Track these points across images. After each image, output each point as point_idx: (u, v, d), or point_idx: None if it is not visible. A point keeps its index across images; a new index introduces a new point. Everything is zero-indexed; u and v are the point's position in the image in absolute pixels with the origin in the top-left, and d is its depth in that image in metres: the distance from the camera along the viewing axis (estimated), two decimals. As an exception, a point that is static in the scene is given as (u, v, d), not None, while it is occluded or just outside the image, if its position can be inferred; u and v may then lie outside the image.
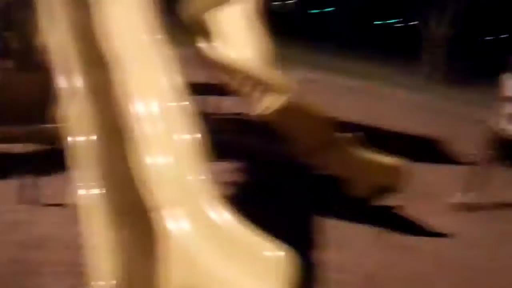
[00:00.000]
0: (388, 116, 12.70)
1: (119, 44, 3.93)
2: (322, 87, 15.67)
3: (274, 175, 7.02)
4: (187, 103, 3.70)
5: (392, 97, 15.98)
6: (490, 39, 29.39)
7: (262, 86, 5.14)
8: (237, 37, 6.10)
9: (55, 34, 3.74)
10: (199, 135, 3.54)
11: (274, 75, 5.21)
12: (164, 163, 3.51)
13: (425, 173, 7.68)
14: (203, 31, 5.43)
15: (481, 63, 21.20)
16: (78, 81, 3.52)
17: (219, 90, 6.86)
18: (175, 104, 3.69)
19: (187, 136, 3.57)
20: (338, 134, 5.69)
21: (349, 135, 5.78)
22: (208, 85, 6.70)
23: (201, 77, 6.37)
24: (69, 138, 3.21)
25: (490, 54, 19.67)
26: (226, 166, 6.88)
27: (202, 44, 5.07)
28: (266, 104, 5.17)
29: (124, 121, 3.64)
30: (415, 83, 20.79)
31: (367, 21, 34.27)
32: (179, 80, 3.81)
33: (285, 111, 5.16)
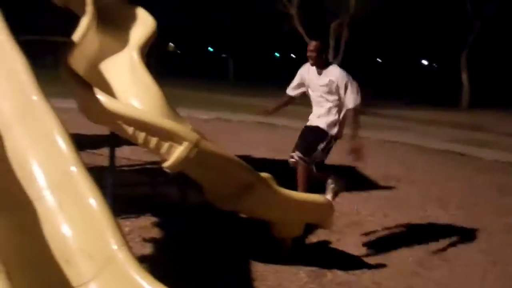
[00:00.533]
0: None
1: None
2: (229, 124, 15.83)
3: (197, 225, 6.78)
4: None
5: (293, 127, 16.01)
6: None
7: (169, 138, 4.80)
8: (128, 87, 5.76)
9: None
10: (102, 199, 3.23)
11: (179, 126, 4.90)
12: (77, 234, 3.24)
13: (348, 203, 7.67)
14: (87, 84, 5.01)
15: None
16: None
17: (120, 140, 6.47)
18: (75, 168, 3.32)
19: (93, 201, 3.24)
20: (250, 176, 5.36)
21: (265, 174, 5.48)
22: (107, 136, 6.36)
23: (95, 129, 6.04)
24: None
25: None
26: (145, 221, 6.57)
27: (101, 97, 4.68)
28: (175, 156, 4.84)
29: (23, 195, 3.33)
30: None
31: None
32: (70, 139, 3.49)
33: (195, 159, 4.87)
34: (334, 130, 6.21)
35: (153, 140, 4.90)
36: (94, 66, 5.69)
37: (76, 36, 5.53)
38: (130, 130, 4.90)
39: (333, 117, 6.25)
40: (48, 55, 20.46)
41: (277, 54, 73.55)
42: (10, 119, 3.72)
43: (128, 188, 7.77)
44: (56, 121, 3.53)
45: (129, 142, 6.10)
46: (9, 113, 3.76)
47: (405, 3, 29.76)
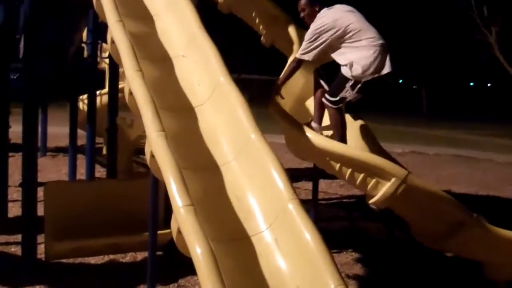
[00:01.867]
0: (502, 184, 11.93)
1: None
2: (425, 158, 15.39)
3: (401, 262, 6.48)
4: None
5: (498, 162, 15.13)
6: None
7: (376, 174, 4.74)
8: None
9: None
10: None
11: (386, 162, 4.82)
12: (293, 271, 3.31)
13: None
14: (295, 122, 5.17)
15: None
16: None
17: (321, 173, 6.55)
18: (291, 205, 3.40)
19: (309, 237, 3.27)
20: (462, 214, 5.08)
21: (475, 215, 5.16)
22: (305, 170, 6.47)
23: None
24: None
25: None
26: (346, 257, 6.53)
27: (309, 133, 4.80)
28: (382, 192, 4.76)
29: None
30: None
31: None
32: (286, 175, 3.60)
33: (403, 196, 4.75)
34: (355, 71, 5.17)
35: (360, 176, 4.87)
36: (300, 103, 5.84)
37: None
38: (337, 166, 4.93)
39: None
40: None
41: (471, 84, 70.44)
42: (228, 155, 3.94)
43: (326, 223, 7.80)
44: (273, 157, 3.65)
45: (326, 175, 6.19)
46: (227, 149, 3.98)
47: None
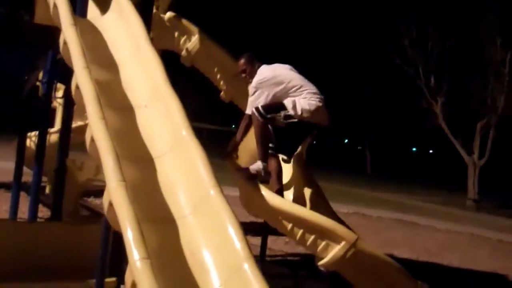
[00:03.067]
0: (442, 251, 12.21)
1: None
2: (368, 220, 15.61)
3: None
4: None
5: (439, 229, 15.50)
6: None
7: (327, 236, 4.83)
8: (289, 185, 5.93)
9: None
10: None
11: (338, 225, 4.93)
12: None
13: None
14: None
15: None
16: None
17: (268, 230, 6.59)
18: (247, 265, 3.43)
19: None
20: (407, 281, 5.20)
21: (419, 282, 5.29)
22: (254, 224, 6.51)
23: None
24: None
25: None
26: None
27: (265, 192, 4.86)
28: (331, 254, 4.86)
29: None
30: (461, 213, 20.51)
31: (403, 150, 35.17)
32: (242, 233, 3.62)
33: (351, 260, 4.86)
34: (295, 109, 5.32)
35: (311, 237, 4.95)
36: (256, 159, 5.91)
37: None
38: (289, 226, 5.00)
39: None
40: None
41: (414, 149, 72.37)
42: (185, 209, 3.95)
43: (271, 280, 7.77)
44: (230, 215, 3.68)
45: (272, 231, 6.23)
46: (185, 203, 3.99)
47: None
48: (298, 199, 5.48)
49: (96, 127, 3.88)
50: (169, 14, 6.89)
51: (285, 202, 5.11)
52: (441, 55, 24.51)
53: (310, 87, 5.42)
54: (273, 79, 5.34)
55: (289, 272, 8.92)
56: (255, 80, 5.41)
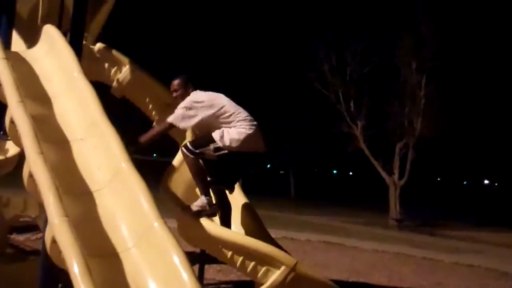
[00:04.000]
0: (370, 270, 12.50)
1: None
2: (297, 244, 15.76)
3: None
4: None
5: (365, 249, 15.84)
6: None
7: (266, 262, 4.90)
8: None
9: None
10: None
11: (277, 250, 5.01)
12: None
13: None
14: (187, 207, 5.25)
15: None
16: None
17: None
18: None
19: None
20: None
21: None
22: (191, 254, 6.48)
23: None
24: None
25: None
26: None
27: (203, 221, 4.88)
28: (272, 280, 4.92)
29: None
30: (384, 233, 21.08)
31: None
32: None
33: (291, 284, 4.94)
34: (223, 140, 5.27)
35: (251, 264, 5.00)
36: (192, 189, 5.93)
37: (176, 160, 5.86)
38: (229, 253, 5.03)
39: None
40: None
41: (335, 172, 73.92)
42: (128, 242, 3.92)
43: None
44: (176, 246, 3.69)
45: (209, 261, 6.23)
46: (127, 236, 3.96)
47: (471, 122, 29.99)
48: (237, 226, 5.52)
49: (34, 162, 3.82)
50: (99, 45, 6.85)
51: (224, 230, 5.13)
52: (359, 80, 25.27)
53: (242, 114, 5.39)
54: (206, 102, 5.29)
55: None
56: (190, 98, 5.31)
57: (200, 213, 5.07)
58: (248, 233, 5.46)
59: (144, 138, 5.27)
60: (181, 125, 5.28)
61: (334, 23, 26.12)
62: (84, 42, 6.47)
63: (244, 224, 5.68)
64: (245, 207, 5.85)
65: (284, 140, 38.46)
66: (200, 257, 6.67)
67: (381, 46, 25.08)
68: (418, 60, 24.26)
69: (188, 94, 5.40)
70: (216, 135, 5.22)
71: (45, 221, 3.79)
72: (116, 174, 4.20)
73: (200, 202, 5.12)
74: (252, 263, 4.99)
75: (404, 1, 24.12)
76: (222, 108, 5.32)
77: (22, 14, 7.56)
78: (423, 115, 24.24)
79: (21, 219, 10.24)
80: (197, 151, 5.19)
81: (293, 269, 4.93)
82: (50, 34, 5.44)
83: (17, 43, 6.50)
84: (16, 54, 5.39)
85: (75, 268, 3.21)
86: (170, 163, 5.86)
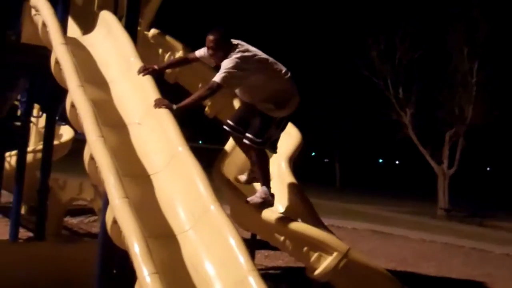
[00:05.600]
0: (418, 260, 12.38)
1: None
2: (343, 232, 15.70)
3: None
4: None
5: (413, 239, 15.67)
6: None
7: (319, 248, 4.91)
8: (277, 195, 5.96)
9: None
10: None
11: (330, 236, 5.01)
12: None
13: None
14: (240, 193, 5.28)
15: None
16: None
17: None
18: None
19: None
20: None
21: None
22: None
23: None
24: None
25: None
26: None
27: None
28: (324, 265, 4.94)
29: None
30: (432, 222, 20.80)
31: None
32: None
33: (344, 270, 4.95)
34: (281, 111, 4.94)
35: (303, 249, 5.02)
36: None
37: (228, 146, 5.92)
38: (281, 238, 5.06)
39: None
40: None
41: (380, 160, 73.20)
42: (185, 224, 3.98)
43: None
44: (232, 229, 3.72)
45: (266, 247, 6.27)
46: (184, 218, 4.02)
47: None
48: (290, 211, 5.55)
49: (95, 145, 3.91)
50: (153, 31, 6.95)
51: (277, 215, 5.17)
52: (409, 66, 24.88)
53: (279, 64, 4.93)
54: (256, 59, 4.76)
55: (272, 285, 8.94)
56: (237, 54, 4.67)
57: (263, 205, 4.88)
58: (299, 216, 5.46)
59: (185, 102, 4.69)
60: (231, 86, 4.81)
61: (383, 8, 25.76)
62: (138, 28, 6.57)
63: (294, 207, 5.69)
64: (296, 189, 5.84)
65: (330, 128, 38.21)
66: (250, 242, 6.71)
67: (432, 31, 24.58)
68: (470, 46, 23.71)
69: (229, 51, 4.72)
70: (267, 109, 4.83)
71: (105, 203, 3.88)
72: (173, 158, 4.25)
73: (263, 193, 4.88)
74: (305, 249, 5.02)
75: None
76: (264, 56, 4.85)
77: (77, 1, 7.73)
78: (475, 102, 23.74)
79: (74, 203, 10.52)
80: (264, 138, 4.84)
81: (345, 255, 4.94)
82: (107, 20, 5.53)
83: (72, 29, 6.65)
84: (74, 39, 5.50)
85: (136, 248, 3.28)
86: (216, 149, 5.91)
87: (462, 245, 15.14)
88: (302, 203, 5.79)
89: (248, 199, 4.89)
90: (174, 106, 4.58)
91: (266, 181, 4.93)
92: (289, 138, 6.35)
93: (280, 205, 5.78)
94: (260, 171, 4.95)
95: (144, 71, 4.81)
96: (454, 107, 24.32)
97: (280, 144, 6.27)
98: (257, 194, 4.91)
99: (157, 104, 4.54)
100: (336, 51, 30.82)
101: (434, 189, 25.60)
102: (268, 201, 4.87)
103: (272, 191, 5.47)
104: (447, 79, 24.48)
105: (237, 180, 5.41)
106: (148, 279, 3.14)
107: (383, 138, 36.43)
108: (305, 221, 5.45)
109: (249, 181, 5.28)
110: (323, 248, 4.96)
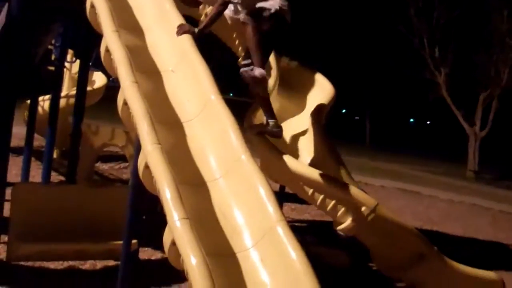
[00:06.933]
0: (445, 219, 12.36)
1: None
2: (371, 189, 15.68)
3: None
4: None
5: (441, 199, 15.61)
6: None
7: (346, 202, 4.92)
8: (306, 149, 5.98)
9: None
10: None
11: (358, 191, 5.00)
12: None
13: None
14: (271, 145, 5.27)
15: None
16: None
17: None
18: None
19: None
20: (424, 246, 5.31)
21: (435, 248, 5.41)
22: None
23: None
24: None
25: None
26: None
27: (286, 158, 4.91)
28: (351, 219, 4.95)
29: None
30: (461, 183, 20.66)
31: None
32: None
33: (371, 225, 4.96)
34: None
35: (331, 203, 5.03)
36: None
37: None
38: (309, 191, 5.08)
39: None
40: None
41: (411, 120, 72.49)
42: (216, 173, 4.02)
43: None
44: (263, 179, 3.75)
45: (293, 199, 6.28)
46: (215, 167, 4.05)
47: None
48: (318, 164, 5.54)
49: (129, 91, 3.93)
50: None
51: (307, 168, 5.17)
52: (446, 26, 24.34)
53: None
54: None
55: (298, 238, 9.01)
56: None
57: (259, 82, 4.50)
58: (328, 170, 5.45)
59: (204, 23, 4.80)
60: None
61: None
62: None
63: (324, 161, 5.68)
64: (327, 145, 5.83)
65: (361, 85, 37.80)
66: (279, 194, 6.75)
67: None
68: (511, 7, 23.06)
69: None
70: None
71: (137, 148, 3.93)
72: (205, 106, 4.27)
73: (260, 71, 4.46)
74: (332, 202, 5.03)
75: None
76: None
77: None
78: (511, 64, 23.24)
79: (106, 149, 10.66)
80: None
81: (373, 210, 4.94)
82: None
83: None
84: (110, -15, 5.47)
85: (167, 193, 3.33)
86: (246, 102, 5.89)
87: (490, 207, 15.06)
88: (332, 157, 5.78)
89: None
90: (196, 29, 4.71)
91: (261, 63, 4.53)
92: (322, 91, 6.32)
93: (310, 158, 5.79)
94: (256, 52, 4.53)
95: (182, 32, 4.74)
96: (490, 69, 23.81)
97: (313, 97, 6.27)
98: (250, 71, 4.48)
99: (179, 31, 4.66)
100: (372, 5, 30.13)
101: (465, 150, 25.35)
102: (262, 78, 4.50)
103: (303, 143, 5.46)
104: (484, 40, 23.90)
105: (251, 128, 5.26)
106: (178, 223, 3.19)
107: (416, 98, 35.94)
108: (334, 175, 5.45)
109: (260, 132, 5.10)
110: (351, 202, 4.96)
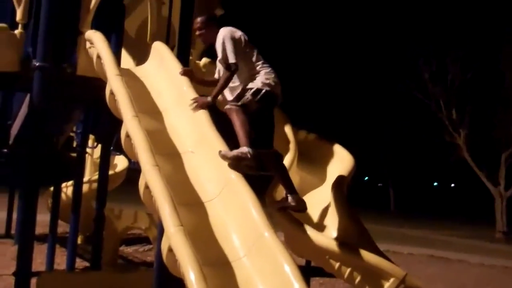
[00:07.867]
0: (478, 285, 12.05)
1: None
2: (399, 258, 15.39)
3: None
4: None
5: (471, 263, 15.26)
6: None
7: (375, 274, 4.82)
8: (330, 221, 5.90)
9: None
10: None
11: (385, 261, 4.91)
12: None
13: None
14: (294, 219, 5.23)
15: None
16: None
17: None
18: None
19: None
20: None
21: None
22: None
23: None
24: None
25: None
26: None
27: (310, 231, 4.87)
28: (381, 291, 4.83)
29: None
30: (491, 246, 20.24)
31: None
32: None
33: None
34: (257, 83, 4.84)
35: (359, 276, 4.93)
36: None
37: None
38: (336, 265, 4.99)
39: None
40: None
41: (435, 184, 71.89)
42: (240, 251, 3.98)
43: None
44: (287, 256, 3.70)
45: (321, 274, 6.19)
46: (238, 245, 4.02)
47: None
48: (343, 237, 5.46)
49: (150, 174, 3.96)
50: (204, 60, 7.04)
51: (331, 241, 5.10)
52: (461, 87, 24.49)
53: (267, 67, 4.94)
54: (241, 37, 4.88)
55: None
56: (224, 34, 4.81)
57: (239, 160, 4.37)
58: (353, 242, 5.36)
59: (215, 91, 4.91)
60: (237, 59, 4.78)
61: (433, 30, 25.52)
62: (190, 57, 6.67)
63: (348, 232, 5.59)
64: (350, 214, 5.75)
65: (383, 152, 37.80)
66: (305, 269, 6.64)
67: (483, 51, 24.19)
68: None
69: (214, 32, 4.92)
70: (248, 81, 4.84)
71: (160, 231, 3.92)
72: (226, 185, 4.28)
73: (241, 149, 4.42)
74: (360, 275, 4.93)
75: (508, 2, 23.22)
76: (255, 52, 4.94)
77: (130, 32, 7.92)
78: (531, 122, 23.19)
79: (129, 232, 10.66)
80: (240, 103, 4.69)
81: (402, 281, 4.83)
82: (159, 50, 5.64)
83: (126, 60, 6.81)
84: (128, 70, 5.62)
85: (191, 275, 3.29)
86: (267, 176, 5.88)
87: (523, 269, 14.69)
88: (357, 228, 5.69)
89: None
90: (209, 98, 4.90)
91: (247, 141, 4.50)
92: (342, 162, 6.31)
93: (334, 230, 5.71)
94: (241, 131, 4.55)
95: (196, 107, 4.92)
96: (509, 127, 23.73)
97: (333, 168, 6.25)
98: (236, 150, 4.46)
99: (197, 105, 4.90)
100: (388, 73, 30.54)
101: (491, 211, 24.95)
102: (246, 159, 4.39)
103: (326, 216, 5.42)
104: (500, 99, 23.95)
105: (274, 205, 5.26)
106: (204, 307, 3.14)
107: (437, 161, 35.78)
108: (360, 246, 5.36)
109: (282, 208, 5.06)
110: (380, 274, 4.86)
